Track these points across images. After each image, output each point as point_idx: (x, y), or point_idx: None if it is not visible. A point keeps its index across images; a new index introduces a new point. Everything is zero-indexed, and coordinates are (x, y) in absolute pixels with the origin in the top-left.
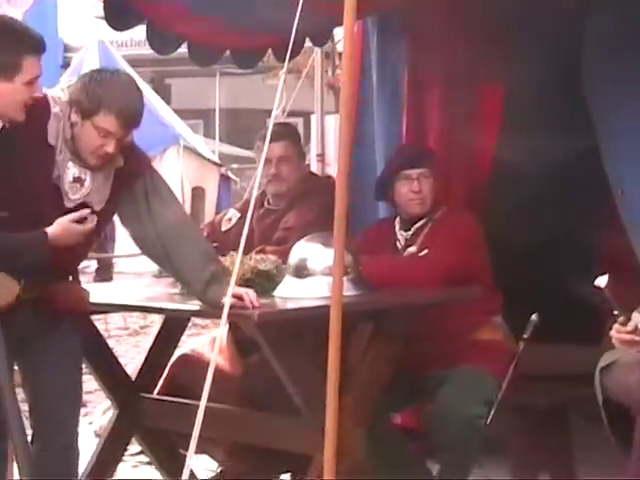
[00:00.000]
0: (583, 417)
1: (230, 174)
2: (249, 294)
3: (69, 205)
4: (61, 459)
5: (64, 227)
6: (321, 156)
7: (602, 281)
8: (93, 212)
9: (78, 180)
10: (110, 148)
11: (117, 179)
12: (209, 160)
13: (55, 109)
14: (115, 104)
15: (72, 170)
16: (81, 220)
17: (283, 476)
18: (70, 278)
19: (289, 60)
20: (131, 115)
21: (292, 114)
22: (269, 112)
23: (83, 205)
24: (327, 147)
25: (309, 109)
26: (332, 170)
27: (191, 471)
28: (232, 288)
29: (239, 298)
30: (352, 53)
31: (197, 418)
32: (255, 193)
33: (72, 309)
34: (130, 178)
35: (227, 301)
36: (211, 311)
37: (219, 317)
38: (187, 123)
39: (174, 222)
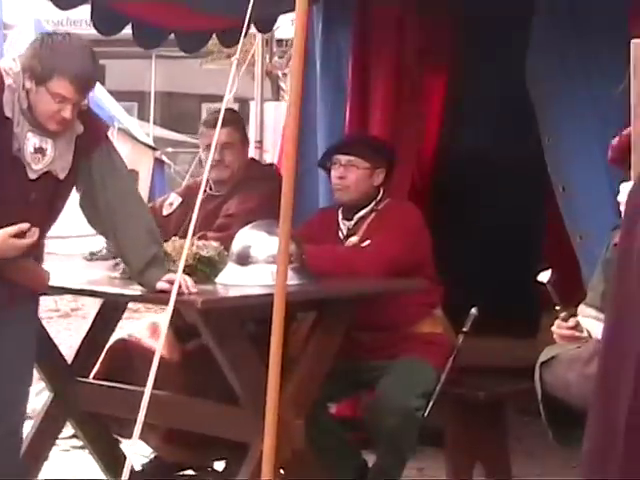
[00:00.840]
0: (516, 410)
1: (164, 158)
2: (186, 280)
3: (32, 176)
4: (4, 446)
5: (3, 242)
6: (259, 143)
7: (545, 276)
8: (58, 181)
9: (40, 150)
10: (67, 113)
11: (77, 147)
12: (143, 143)
13: (8, 81)
14: (68, 68)
15: (32, 140)
16: (21, 234)
17: (218, 463)
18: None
19: (234, 45)
20: (85, 79)
21: (227, 100)
22: (205, 97)
23: (47, 174)
24: (265, 134)
25: (245, 95)
26: (270, 157)
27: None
28: (179, 273)
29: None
30: (304, 41)
31: (142, 403)
32: (205, 178)
33: (31, 289)
34: (89, 146)
35: (175, 286)
36: (153, 296)
37: (160, 303)
38: (121, 105)
39: (125, 196)
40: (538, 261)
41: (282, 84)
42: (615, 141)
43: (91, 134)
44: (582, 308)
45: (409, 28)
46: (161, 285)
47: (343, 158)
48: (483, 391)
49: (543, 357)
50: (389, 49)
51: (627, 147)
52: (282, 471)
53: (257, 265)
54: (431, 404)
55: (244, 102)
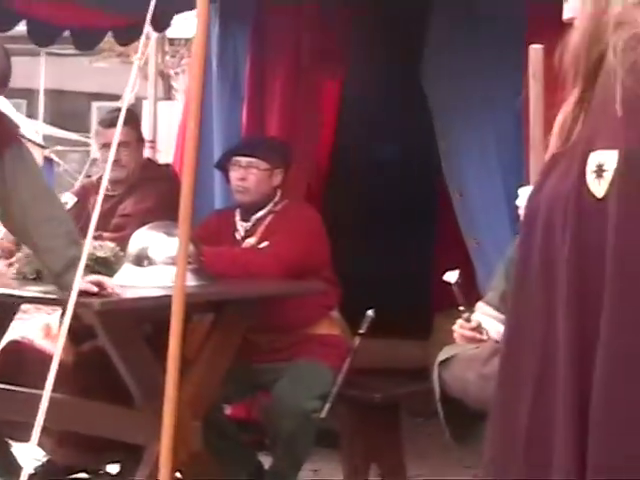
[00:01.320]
0: (409, 411)
1: (53, 156)
2: (108, 281)
3: None
4: None
5: None
6: (152, 142)
7: (452, 276)
8: None
9: None
10: None
11: None
12: (32, 141)
13: None
14: None
15: None
16: None
17: (111, 466)
18: None
19: (129, 43)
20: None
21: (118, 99)
22: (94, 95)
23: None
24: (158, 134)
25: (137, 94)
26: (163, 157)
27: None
28: (79, 273)
29: (98, 285)
30: (205, 41)
31: (41, 406)
32: (106, 178)
33: None
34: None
35: (75, 287)
36: (49, 298)
37: (58, 304)
38: (10, 102)
39: (40, 197)
40: (430, 264)
41: (174, 83)
42: None
43: (1, 134)
44: (480, 305)
45: (306, 28)
46: (86, 286)
47: (243, 160)
48: (379, 393)
49: (442, 356)
50: (286, 49)
51: None
52: (179, 474)
53: (155, 266)
54: (328, 406)
55: (136, 101)
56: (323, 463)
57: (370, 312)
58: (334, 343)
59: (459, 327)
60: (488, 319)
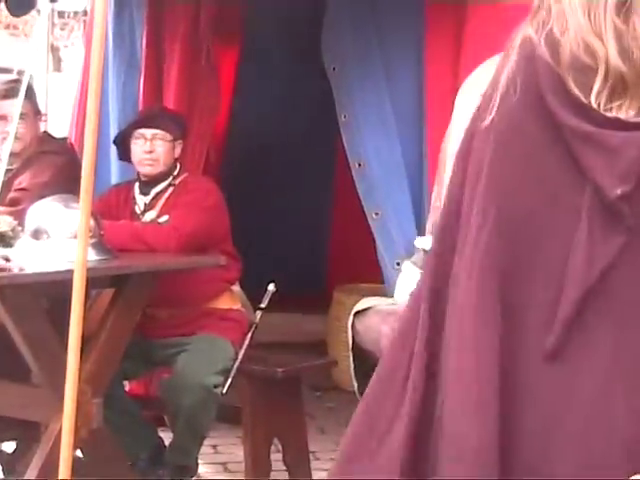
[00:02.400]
0: (308, 385)
1: None
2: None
3: None
4: None
5: None
6: (44, 115)
7: (424, 242)
8: None
9: None
10: None
11: None
12: None
13: None
14: None
15: None
16: None
17: (6, 444)
18: None
19: (23, 15)
20: None
21: (5, 71)
22: None
23: None
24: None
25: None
26: (53, 130)
27: None
28: None
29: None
30: (105, 14)
31: None
32: (9, 152)
33: None
34: None
35: None
36: None
37: None
38: None
39: None
40: (328, 239)
41: (63, 56)
42: None
43: None
44: (407, 265)
45: (202, 0)
46: None
47: (148, 132)
48: (280, 367)
49: (359, 307)
50: (183, 20)
51: None
52: (79, 451)
53: (54, 240)
54: (229, 381)
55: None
56: (223, 439)
57: (271, 286)
58: (235, 318)
59: None
60: (414, 279)
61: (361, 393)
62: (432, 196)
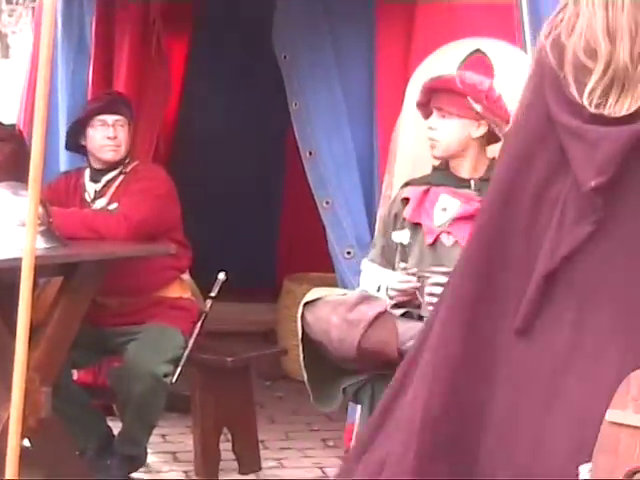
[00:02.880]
0: (257, 374)
1: None
2: None
3: None
4: None
5: None
6: None
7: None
8: None
9: None
10: None
11: None
12: None
13: None
14: None
15: None
16: None
17: None
18: None
19: None
20: None
21: None
22: None
23: None
24: None
25: None
26: (1, 117)
27: None
28: None
29: None
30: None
31: None
32: None
33: None
34: None
35: None
36: None
37: None
38: None
39: None
40: (278, 228)
41: (11, 43)
42: (424, 84)
43: None
44: (366, 263)
45: None
46: None
47: (110, 118)
48: (230, 356)
49: (308, 297)
50: (133, 9)
51: (432, 90)
52: (27, 441)
53: (2, 228)
54: (179, 370)
55: None
56: (173, 428)
57: (221, 275)
58: (185, 306)
59: (400, 282)
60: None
61: (310, 385)
62: (383, 185)
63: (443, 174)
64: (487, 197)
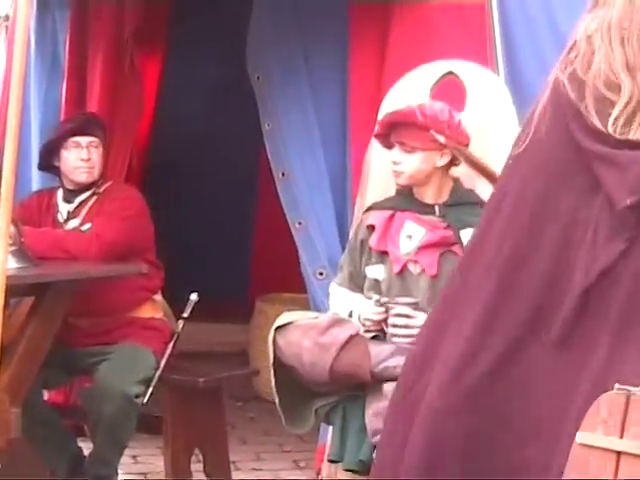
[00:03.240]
0: (229, 395)
1: None
2: None
3: None
4: None
5: None
6: None
7: None
8: None
9: None
10: None
11: None
12: None
13: None
14: None
15: None
16: None
17: None
18: None
19: None
20: None
21: None
22: None
23: None
24: None
25: None
26: None
27: None
28: None
29: None
30: (28, 17)
31: None
32: None
33: None
34: None
35: None
36: None
37: None
38: None
39: None
40: (250, 249)
41: None
42: (383, 118)
43: None
44: (334, 287)
45: (126, 5)
46: None
47: (84, 139)
48: (202, 377)
49: (280, 322)
50: (107, 27)
51: (392, 124)
52: None
53: None
54: (150, 390)
55: None
56: (144, 449)
57: (193, 296)
58: (157, 327)
59: (374, 313)
60: (342, 299)
61: (282, 407)
62: (355, 207)
63: (407, 199)
64: (510, 217)
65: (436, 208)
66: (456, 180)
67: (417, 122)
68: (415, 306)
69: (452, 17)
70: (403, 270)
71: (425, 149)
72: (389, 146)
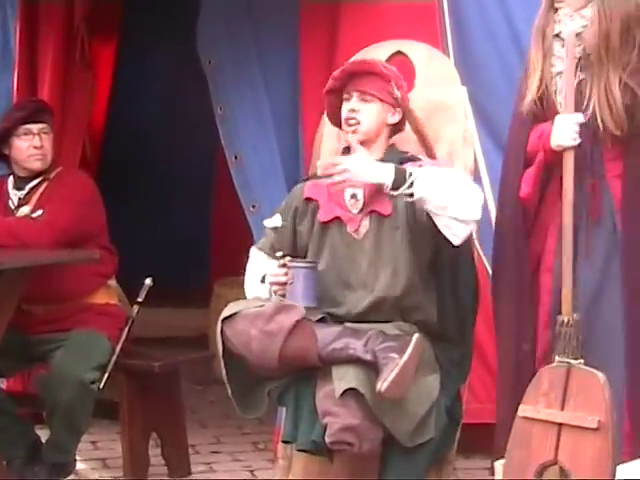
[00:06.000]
0: (189, 379)
1: None
2: None
3: None
4: None
5: None
6: None
7: (274, 221)
8: None
9: None
10: None
11: None
12: None
13: None
14: None
15: None
16: None
17: None
18: None
19: None
20: None
21: None
22: None
23: None
24: None
25: None
26: None
27: None
28: None
29: None
30: None
31: None
32: None
33: None
34: None
35: None
36: None
37: None
38: None
39: None
40: (208, 232)
41: None
42: (342, 68)
43: None
44: (253, 250)
45: None
46: None
47: (35, 127)
48: (158, 361)
49: (226, 313)
50: (57, 16)
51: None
52: None
53: None
54: (106, 376)
55: None
56: (103, 435)
57: (148, 281)
58: (112, 312)
59: (274, 275)
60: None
61: (233, 398)
62: None
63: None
64: None
65: None
66: (391, 145)
67: (380, 72)
68: (313, 266)
69: (402, 9)
70: (358, 229)
71: (382, 100)
72: (334, 103)
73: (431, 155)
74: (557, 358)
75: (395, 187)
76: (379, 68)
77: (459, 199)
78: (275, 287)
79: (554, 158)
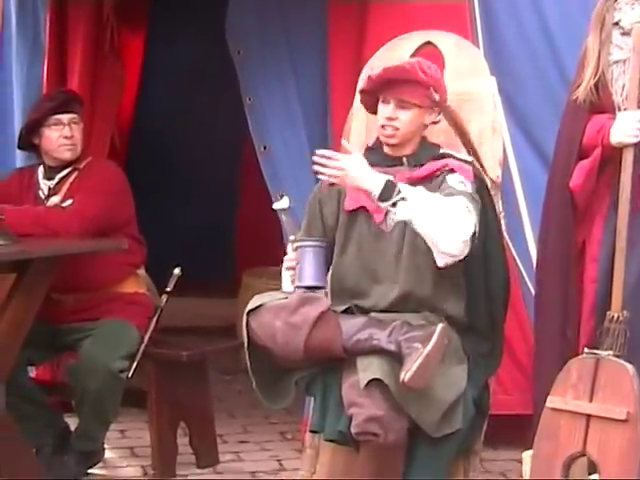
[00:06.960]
0: (217, 369)
1: None
2: None
3: None
4: None
5: None
6: None
7: (283, 203)
8: None
9: None
10: None
11: None
12: None
13: None
14: None
15: None
16: None
17: None
18: None
19: None
20: None
21: None
22: None
23: None
24: None
25: None
26: None
27: None
28: None
29: None
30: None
31: None
32: None
33: None
34: None
35: None
36: None
37: None
38: None
39: None
40: (235, 222)
41: None
42: (376, 73)
43: None
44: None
45: None
46: None
47: (66, 117)
48: (186, 351)
49: (251, 305)
50: (87, 5)
51: (388, 80)
52: None
53: None
54: (135, 365)
55: None
56: (131, 423)
57: (177, 270)
58: (141, 301)
59: (288, 260)
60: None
61: (259, 389)
62: None
63: (376, 155)
64: None
65: (404, 159)
66: (424, 137)
67: (419, 79)
68: (319, 244)
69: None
70: (384, 221)
71: (422, 106)
72: (372, 106)
73: (468, 144)
74: (585, 350)
75: (382, 199)
76: (418, 75)
77: (441, 232)
78: (290, 272)
79: (612, 153)
